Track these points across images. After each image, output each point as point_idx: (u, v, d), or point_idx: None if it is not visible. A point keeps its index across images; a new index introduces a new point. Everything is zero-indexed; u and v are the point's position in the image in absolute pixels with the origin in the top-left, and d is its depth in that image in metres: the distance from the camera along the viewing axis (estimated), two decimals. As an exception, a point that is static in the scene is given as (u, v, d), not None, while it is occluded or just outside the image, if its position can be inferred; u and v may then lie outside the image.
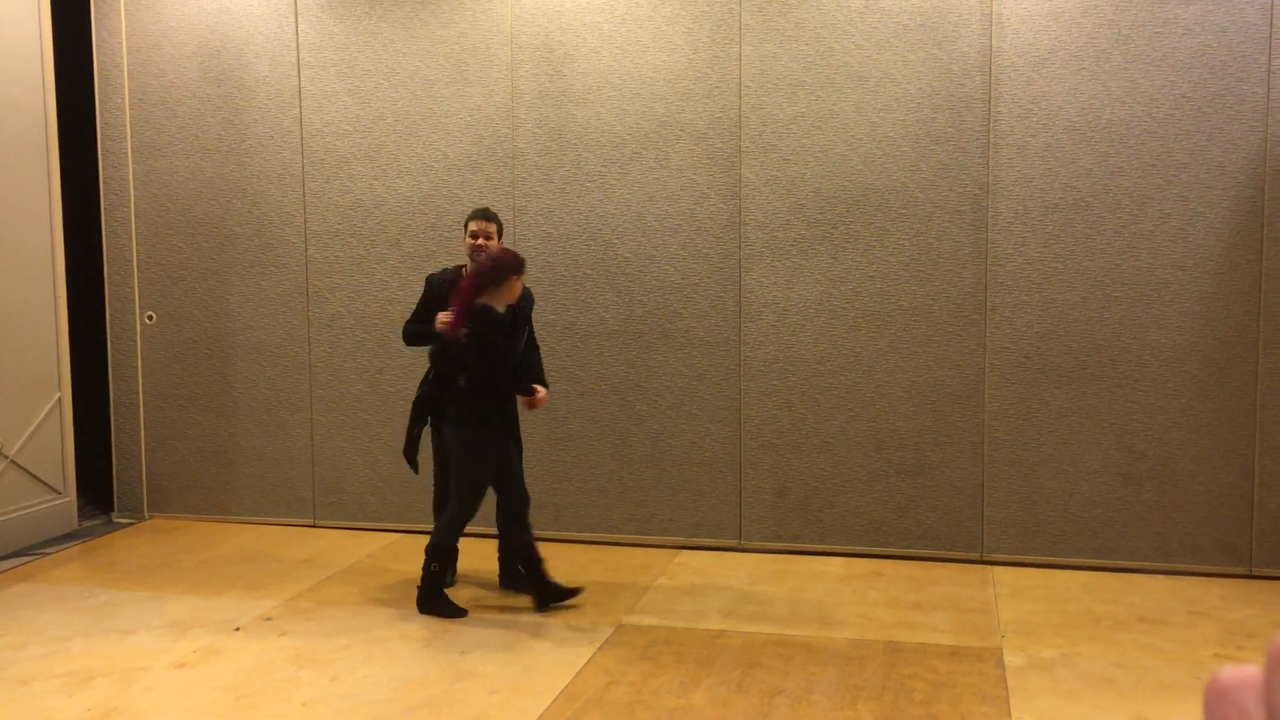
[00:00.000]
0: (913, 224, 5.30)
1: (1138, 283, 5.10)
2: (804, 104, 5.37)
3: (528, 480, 5.02)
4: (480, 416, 4.49)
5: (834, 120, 5.34)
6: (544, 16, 5.64)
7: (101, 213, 6.28)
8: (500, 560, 5.00)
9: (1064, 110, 5.12)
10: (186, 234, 6.18)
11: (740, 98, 5.44)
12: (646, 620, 4.55)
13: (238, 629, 4.45)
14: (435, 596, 4.60)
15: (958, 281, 5.28)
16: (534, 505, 4.98)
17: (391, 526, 5.99)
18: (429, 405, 4.84)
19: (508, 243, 5.30)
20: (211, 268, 6.17)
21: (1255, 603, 4.75)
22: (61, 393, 6.04)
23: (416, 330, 4.88)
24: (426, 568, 4.59)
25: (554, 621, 4.54)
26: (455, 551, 4.71)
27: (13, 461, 5.72)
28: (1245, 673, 0.46)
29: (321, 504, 6.12)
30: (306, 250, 6.03)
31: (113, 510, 6.41)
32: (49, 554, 5.65)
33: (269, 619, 4.58)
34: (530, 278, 4.96)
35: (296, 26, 5.95)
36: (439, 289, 4.83)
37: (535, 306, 5.12)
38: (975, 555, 5.36)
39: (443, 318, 4.64)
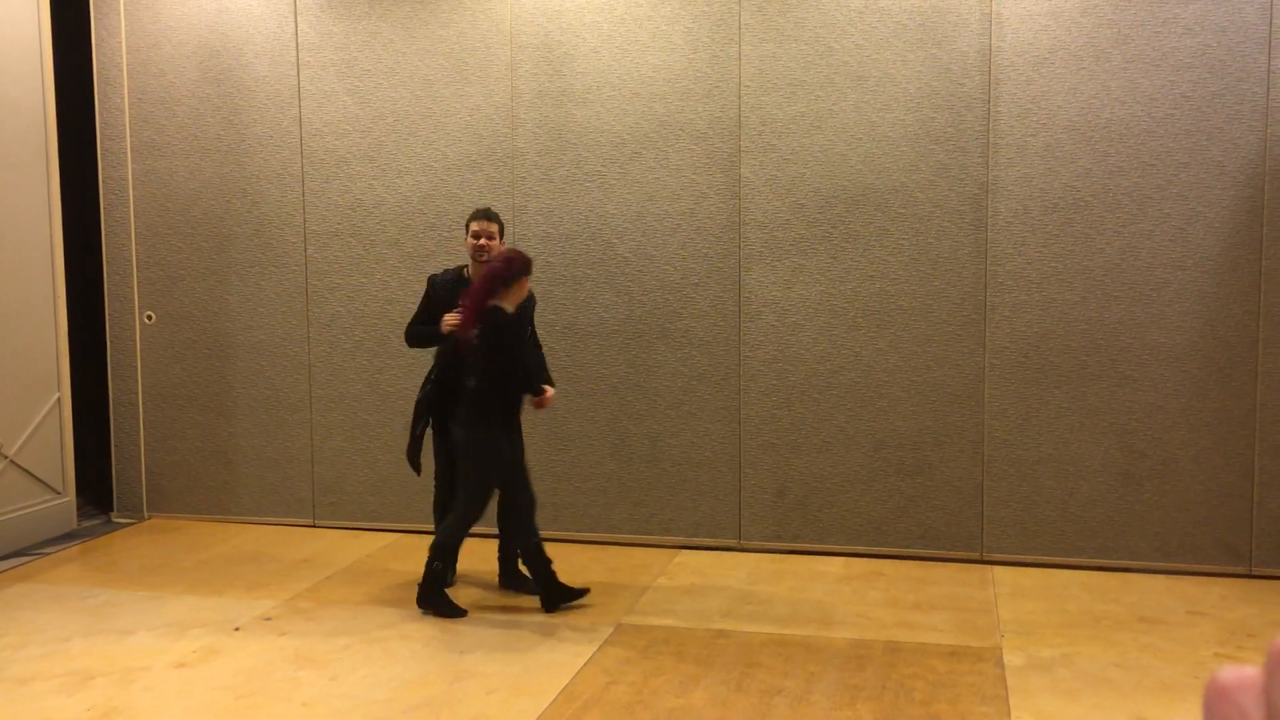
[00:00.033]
0: (912, 223, 5.30)
1: (1137, 282, 5.10)
2: (803, 103, 5.37)
3: (527, 480, 5.02)
4: (491, 417, 4.50)
5: (833, 120, 5.34)
6: (543, 16, 5.63)
7: (101, 212, 6.28)
8: (500, 560, 4.99)
9: (1063, 110, 5.11)
10: (186, 234, 6.18)
11: (740, 97, 5.44)
12: (646, 620, 4.55)
13: (237, 629, 4.45)
14: (436, 594, 4.60)
15: (957, 281, 5.28)
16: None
17: (391, 526, 5.99)
18: (432, 406, 4.84)
19: (507, 243, 5.29)
20: (211, 267, 6.17)
21: (1255, 602, 4.75)
22: (61, 392, 6.04)
23: (421, 331, 4.86)
24: (430, 565, 4.59)
25: (553, 621, 4.54)
26: (457, 551, 4.72)
27: (12, 461, 5.72)
28: (1245, 673, 0.46)
29: (321, 504, 6.12)
30: (306, 250, 6.02)
31: (112, 510, 6.41)
32: (48, 554, 5.65)
33: (268, 619, 4.58)
34: (530, 278, 4.96)
35: (296, 26, 5.95)
36: (442, 289, 4.82)
37: (535, 306, 5.12)
38: (975, 555, 5.36)
39: (449, 319, 4.63)
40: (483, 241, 4.76)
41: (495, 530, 4.97)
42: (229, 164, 6.09)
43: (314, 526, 6.12)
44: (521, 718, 3.59)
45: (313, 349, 6.06)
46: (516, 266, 4.47)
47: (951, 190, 5.25)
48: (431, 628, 4.46)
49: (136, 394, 6.31)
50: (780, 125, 5.40)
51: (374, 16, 5.85)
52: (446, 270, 4.96)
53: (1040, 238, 5.18)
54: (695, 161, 5.50)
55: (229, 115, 6.07)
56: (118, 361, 6.33)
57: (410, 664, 4.07)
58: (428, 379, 4.92)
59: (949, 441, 5.34)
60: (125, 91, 6.18)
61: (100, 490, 6.57)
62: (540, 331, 5.37)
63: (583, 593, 4.70)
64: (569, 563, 5.03)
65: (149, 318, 6.28)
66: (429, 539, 5.20)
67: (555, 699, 3.73)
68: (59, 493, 6.03)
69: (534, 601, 4.72)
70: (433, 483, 5.05)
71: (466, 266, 4.88)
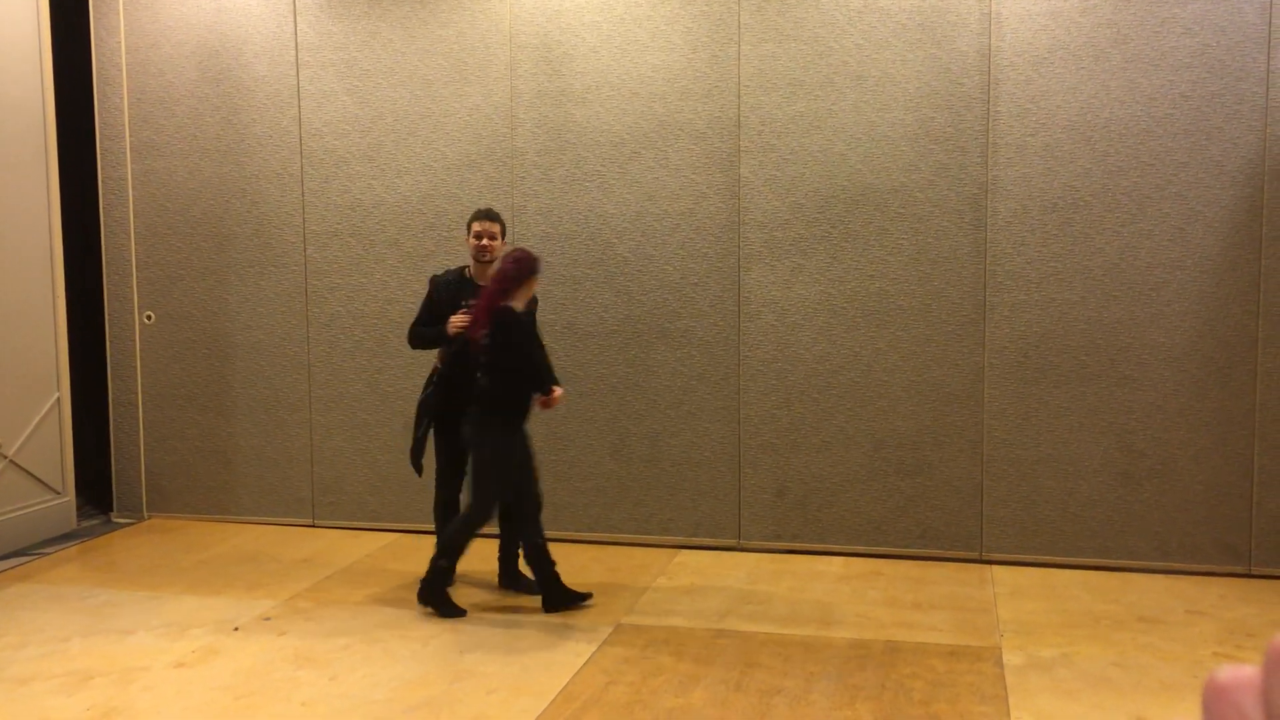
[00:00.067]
0: (911, 223, 5.30)
1: (1137, 282, 5.10)
2: (803, 103, 5.37)
3: (527, 480, 5.02)
4: (503, 417, 4.52)
5: (833, 120, 5.34)
6: (543, 16, 5.63)
7: (100, 212, 6.28)
8: (500, 560, 4.99)
9: (1063, 109, 5.11)
10: (185, 234, 6.18)
11: (739, 97, 5.44)
12: (645, 620, 4.55)
13: (237, 629, 4.45)
14: (438, 592, 4.59)
15: (957, 281, 5.28)
16: (533, 505, 4.98)
17: (390, 526, 5.99)
18: (434, 407, 4.83)
19: (507, 243, 5.29)
20: (210, 267, 6.17)
21: (1254, 602, 4.75)
22: (60, 392, 6.04)
23: (424, 333, 4.83)
24: (435, 562, 4.59)
25: (553, 621, 4.54)
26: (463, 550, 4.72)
27: (12, 461, 5.72)
28: (1243, 672, 0.46)
29: (320, 504, 6.12)
30: (305, 250, 6.02)
31: (111, 510, 6.41)
32: (48, 554, 5.65)
33: (268, 619, 4.58)
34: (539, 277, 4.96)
35: (295, 26, 5.95)
36: (444, 290, 4.81)
37: (537, 306, 5.12)
38: (974, 554, 5.36)
39: (456, 320, 4.63)
40: (485, 242, 4.76)
41: (495, 530, 4.97)
42: (228, 164, 6.09)
43: (313, 526, 6.12)
44: (521, 717, 3.59)
45: (312, 349, 6.06)
46: (527, 266, 4.49)
47: (951, 190, 5.25)
48: (431, 628, 4.46)
49: (136, 394, 6.31)
50: (779, 125, 5.40)
51: (373, 16, 5.84)
52: (448, 271, 4.96)
53: (1039, 237, 5.18)
54: (694, 161, 5.50)
55: (228, 115, 6.07)
56: (117, 361, 6.33)
57: (410, 664, 4.07)
58: (430, 380, 4.91)
59: (948, 441, 5.35)
60: (124, 91, 6.18)
61: (100, 490, 6.57)
62: (540, 331, 5.36)
63: (585, 597, 4.70)
64: (569, 563, 5.02)
65: (148, 318, 6.28)
66: (429, 539, 5.21)
67: (555, 699, 3.73)
68: (58, 493, 6.03)
69: (534, 601, 4.72)
70: (433, 483, 5.04)
71: (468, 267, 4.88)
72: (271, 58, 5.99)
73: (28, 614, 4.67)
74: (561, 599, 4.65)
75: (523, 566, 4.92)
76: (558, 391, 4.66)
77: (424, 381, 4.99)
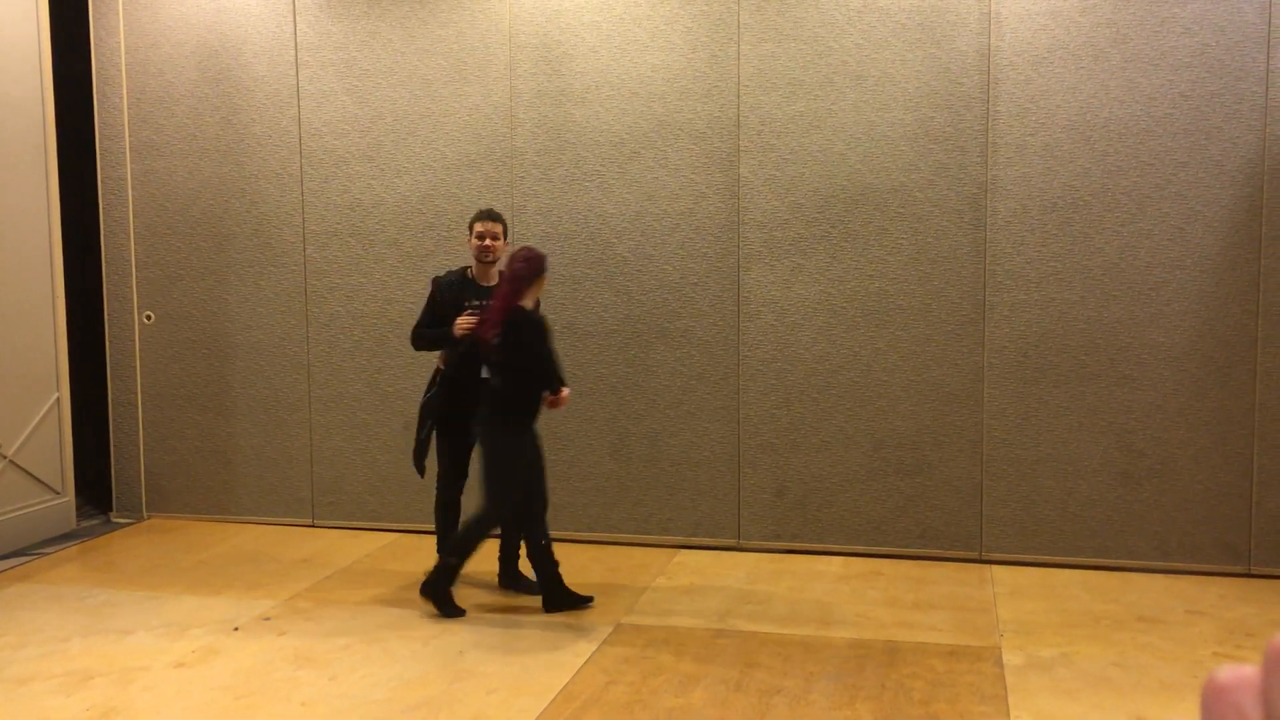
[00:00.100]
0: (911, 223, 5.30)
1: (1136, 281, 5.10)
2: (802, 103, 5.37)
3: (526, 480, 5.02)
4: (513, 416, 4.52)
5: (832, 119, 5.34)
6: (542, 16, 5.63)
7: (100, 212, 6.27)
8: (500, 560, 4.99)
9: (1062, 109, 5.11)
10: (185, 234, 6.18)
11: (739, 97, 5.44)
12: (645, 620, 4.55)
13: (236, 629, 4.45)
14: (442, 590, 4.58)
15: (956, 280, 5.28)
16: (533, 505, 4.98)
17: (390, 526, 5.99)
18: (438, 409, 4.82)
19: (507, 243, 5.29)
20: (210, 267, 6.17)
21: (1254, 601, 4.75)
22: (60, 392, 6.04)
23: (429, 334, 4.81)
24: (445, 558, 4.58)
25: (552, 621, 4.54)
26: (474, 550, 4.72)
27: (11, 461, 5.72)
28: (1243, 672, 0.46)
29: (320, 504, 6.12)
30: (305, 250, 6.02)
31: (111, 510, 6.41)
32: (47, 554, 5.65)
33: (268, 619, 4.58)
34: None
35: (295, 26, 5.94)
36: (447, 291, 4.80)
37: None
38: (974, 554, 5.36)
39: (462, 322, 4.63)
40: (487, 242, 4.75)
41: (496, 530, 4.96)
42: (228, 164, 6.09)
43: (313, 526, 6.12)
44: (521, 717, 3.59)
45: (311, 349, 6.06)
46: (537, 265, 4.51)
47: (950, 190, 5.25)
48: (431, 628, 4.46)
49: (135, 394, 6.31)
50: (779, 125, 5.40)
51: (373, 16, 5.84)
52: (450, 271, 4.94)
53: (1039, 237, 5.18)
54: (694, 161, 5.50)
55: (228, 115, 6.07)
56: (117, 361, 6.33)
57: (410, 664, 4.07)
58: (432, 381, 4.90)
59: (948, 441, 5.35)
60: (124, 91, 6.18)
61: (99, 490, 6.57)
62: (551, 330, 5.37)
63: (587, 600, 4.69)
64: (569, 563, 5.01)
65: (148, 318, 6.27)
66: (429, 539, 5.22)
67: (554, 699, 3.73)
68: (58, 493, 6.03)
69: (534, 601, 4.72)
70: (434, 483, 5.04)
71: (470, 267, 4.87)
72: (271, 58, 5.98)
73: (27, 614, 4.67)
74: (563, 600, 4.65)
75: (523, 566, 4.92)
76: (565, 392, 4.66)
77: (426, 382, 4.98)
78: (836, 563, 5.36)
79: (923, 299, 5.32)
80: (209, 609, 4.70)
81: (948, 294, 5.29)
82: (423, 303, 4.96)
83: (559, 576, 4.66)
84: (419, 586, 4.64)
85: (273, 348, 6.11)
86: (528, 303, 4.51)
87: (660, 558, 5.45)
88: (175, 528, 6.15)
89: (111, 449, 6.38)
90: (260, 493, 6.20)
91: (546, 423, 5.68)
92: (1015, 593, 4.87)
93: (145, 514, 6.35)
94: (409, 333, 4.97)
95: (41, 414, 5.90)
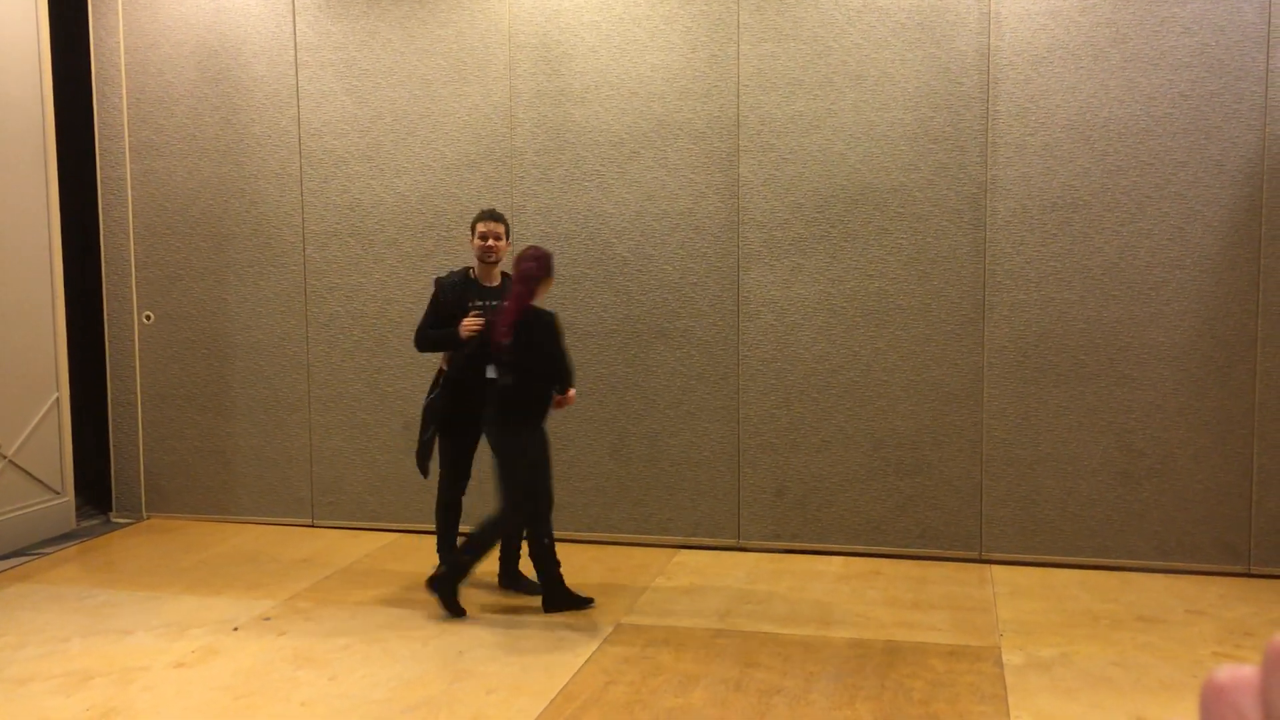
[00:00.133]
0: (911, 223, 5.30)
1: (1136, 281, 5.10)
2: (802, 103, 5.37)
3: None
4: (524, 416, 4.53)
5: (832, 119, 5.34)
6: (542, 16, 5.63)
7: (99, 212, 6.27)
8: (501, 560, 4.99)
9: (1062, 109, 5.11)
10: (184, 234, 6.18)
11: (738, 97, 5.44)
12: (645, 620, 4.55)
13: (236, 629, 4.45)
14: (450, 587, 4.58)
15: (956, 280, 5.28)
16: (532, 505, 4.98)
17: (390, 526, 5.99)
18: (442, 410, 4.81)
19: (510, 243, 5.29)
20: (209, 267, 6.16)
21: (1253, 601, 4.75)
22: (59, 392, 6.03)
23: (434, 335, 4.79)
24: (460, 553, 4.56)
25: (552, 621, 4.54)
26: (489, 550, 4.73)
27: (11, 461, 5.72)
28: (1242, 673, 0.46)
29: (320, 504, 6.12)
30: (304, 250, 6.02)
31: (111, 510, 6.40)
32: (47, 554, 5.65)
33: (267, 619, 4.58)
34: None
35: (294, 26, 5.94)
36: (450, 292, 4.79)
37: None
38: (974, 554, 5.36)
39: (469, 324, 4.62)
40: (490, 242, 4.75)
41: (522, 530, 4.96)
42: (227, 164, 6.09)
43: (313, 526, 6.11)
44: (520, 717, 3.59)
45: (311, 349, 6.06)
46: (546, 264, 4.52)
47: (950, 189, 5.25)
48: (431, 628, 4.46)
49: (135, 394, 6.31)
50: (779, 124, 5.40)
51: (372, 16, 5.84)
52: (452, 272, 4.93)
53: (1039, 237, 5.18)
54: (694, 161, 5.50)
55: (227, 115, 6.07)
56: (116, 361, 6.33)
57: (409, 664, 4.07)
58: (435, 382, 4.89)
59: (948, 441, 5.34)
60: (123, 91, 6.18)
61: (99, 490, 6.57)
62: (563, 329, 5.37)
63: (587, 602, 4.68)
64: (569, 563, 5.01)
65: (147, 318, 6.27)
66: (429, 539, 5.22)
67: (554, 699, 3.73)
68: (58, 493, 6.03)
69: (534, 601, 4.72)
70: (435, 483, 5.04)
71: (472, 268, 4.87)
72: (270, 57, 5.98)
73: (27, 614, 4.67)
74: (563, 601, 4.64)
75: (523, 567, 4.92)
76: (571, 393, 4.66)
77: (426, 382, 4.98)
78: (836, 562, 5.36)
79: (923, 299, 5.32)
80: (209, 609, 4.70)
81: (948, 294, 5.29)
82: (423, 303, 4.96)
83: (560, 577, 4.66)
84: (425, 580, 4.64)
85: (273, 348, 6.11)
86: (538, 302, 4.53)
87: (660, 558, 5.45)
88: (175, 528, 6.15)
89: (111, 449, 6.38)
90: (260, 493, 6.20)
91: (547, 423, 5.68)
92: (1015, 592, 4.87)
93: (145, 514, 6.35)
94: (410, 333, 4.97)
95: (41, 414, 5.90)
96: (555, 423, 5.68)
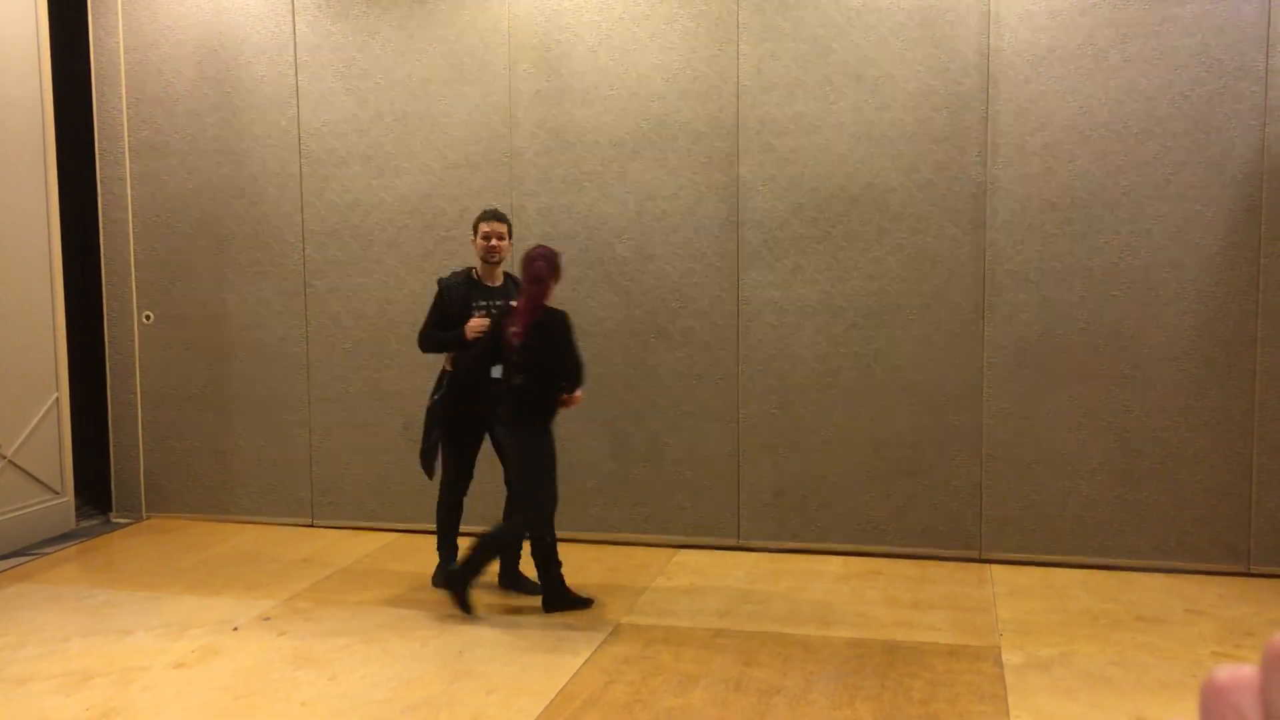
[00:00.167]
0: (911, 223, 5.30)
1: (1136, 281, 5.10)
2: (802, 103, 5.36)
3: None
4: (541, 415, 4.54)
5: (832, 119, 5.34)
6: (541, 16, 5.63)
7: (99, 212, 6.27)
8: (501, 560, 4.98)
9: (1062, 109, 5.11)
10: (184, 234, 6.18)
11: (738, 97, 5.44)
12: (645, 620, 4.55)
13: (236, 629, 4.45)
14: (461, 585, 4.57)
15: (956, 281, 5.28)
16: (532, 505, 4.98)
17: (390, 526, 5.99)
18: (447, 411, 4.80)
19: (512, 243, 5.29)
20: (209, 267, 6.16)
21: (1253, 601, 4.75)
22: (59, 392, 6.03)
23: (439, 337, 4.78)
24: (474, 551, 4.56)
25: (552, 621, 4.54)
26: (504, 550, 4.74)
27: (10, 461, 5.72)
28: (1242, 673, 0.46)
29: (320, 504, 6.12)
30: (304, 250, 6.02)
31: (110, 510, 6.40)
32: (47, 554, 5.65)
33: (267, 619, 4.58)
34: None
35: (294, 26, 5.94)
36: (453, 292, 4.79)
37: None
38: (973, 554, 5.36)
39: (475, 325, 4.62)
40: (494, 243, 4.75)
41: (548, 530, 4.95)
42: (227, 164, 6.09)
43: (312, 526, 6.11)
44: (520, 717, 3.59)
45: (311, 349, 6.06)
46: (556, 263, 4.53)
47: (950, 189, 5.25)
48: (431, 628, 4.46)
49: (135, 394, 6.31)
50: (778, 125, 5.40)
51: (372, 16, 5.84)
52: (454, 273, 4.93)
53: (1039, 237, 5.18)
54: (693, 161, 5.50)
55: (227, 115, 6.07)
56: (116, 361, 6.33)
57: (409, 664, 4.07)
58: (438, 384, 4.89)
59: (947, 441, 5.34)
60: (123, 91, 6.18)
61: (99, 490, 6.57)
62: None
63: (587, 603, 4.68)
64: (569, 562, 5.02)
65: (147, 318, 6.27)
66: (429, 539, 5.22)
67: (554, 699, 3.73)
68: (57, 493, 6.03)
69: (534, 601, 4.72)
70: (440, 485, 5.03)
71: (474, 268, 4.87)
72: (270, 58, 5.98)
73: (27, 614, 4.67)
74: (563, 601, 4.64)
75: (524, 567, 4.92)
76: (579, 393, 4.66)
77: (426, 382, 4.98)
78: (836, 562, 5.36)
79: (922, 299, 5.32)
80: (209, 609, 4.70)
81: (947, 294, 5.29)
82: (423, 303, 4.95)
83: (561, 577, 4.66)
84: (430, 578, 4.63)
85: (272, 348, 6.11)
86: (548, 302, 4.54)
87: (660, 558, 5.45)
88: (175, 528, 6.15)
89: (111, 449, 6.38)
90: (260, 493, 6.20)
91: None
92: (1015, 592, 4.87)
93: (145, 514, 6.35)
94: (410, 333, 4.97)
95: (41, 414, 5.90)
96: (556, 422, 5.69)
